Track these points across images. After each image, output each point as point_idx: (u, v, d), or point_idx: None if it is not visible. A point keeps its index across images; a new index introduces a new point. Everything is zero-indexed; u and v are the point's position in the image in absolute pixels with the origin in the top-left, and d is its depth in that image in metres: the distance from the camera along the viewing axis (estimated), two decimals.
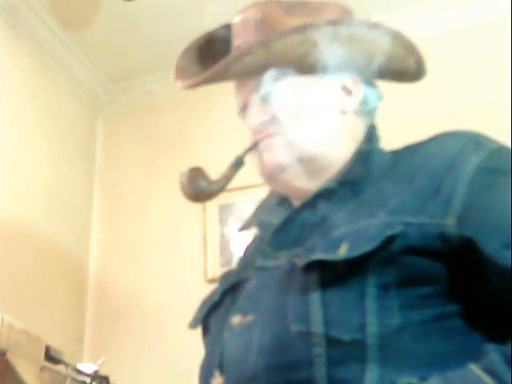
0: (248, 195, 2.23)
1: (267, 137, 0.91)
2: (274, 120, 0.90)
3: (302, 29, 0.86)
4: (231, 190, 2.09)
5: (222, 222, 2.45)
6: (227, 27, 0.98)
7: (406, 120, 2.24)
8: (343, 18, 0.95)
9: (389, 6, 2.39)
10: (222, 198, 2.36)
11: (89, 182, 2.71)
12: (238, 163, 0.92)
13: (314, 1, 0.95)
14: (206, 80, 0.93)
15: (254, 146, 0.92)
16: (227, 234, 2.44)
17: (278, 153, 0.90)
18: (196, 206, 2.43)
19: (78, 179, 2.64)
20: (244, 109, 0.95)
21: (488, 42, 2.33)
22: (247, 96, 0.93)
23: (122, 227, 2.66)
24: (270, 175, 0.92)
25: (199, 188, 0.90)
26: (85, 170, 2.70)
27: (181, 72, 0.98)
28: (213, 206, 2.46)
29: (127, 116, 2.84)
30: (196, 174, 0.91)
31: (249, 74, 0.91)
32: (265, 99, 0.91)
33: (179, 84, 0.97)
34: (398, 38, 0.90)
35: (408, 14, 2.44)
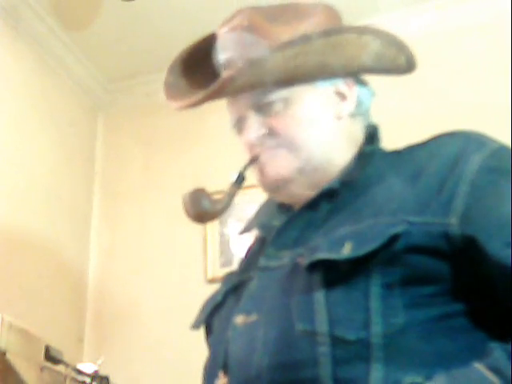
0: (248, 196, 2.22)
1: (267, 150, 0.91)
2: (271, 132, 0.91)
3: (293, 43, 0.86)
4: None
5: (222, 222, 2.45)
6: (212, 37, 0.97)
7: (407, 120, 2.24)
8: (331, 21, 0.94)
9: (389, 6, 2.39)
10: None
11: (89, 182, 2.71)
12: (240, 179, 0.93)
13: (301, 5, 0.94)
14: (200, 101, 0.93)
15: (254, 161, 0.92)
16: (227, 234, 2.44)
17: (280, 165, 0.90)
18: None
19: (78, 179, 2.64)
20: (238, 123, 0.95)
21: (488, 41, 2.33)
22: (242, 110, 0.93)
23: (122, 227, 2.66)
24: (274, 188, 0.93)
25: (203, 209, 0.90)
26: (85, 170, 2.70)
27: (171, 90, 0.98)
28: None
29: (127, 116, 2.84)
30: (199, 194, 0.91)
31: (242, 92, 0.91)
32: (260, 112, 0.91)
33: (173, 105, 0.97)
34: (388, 39, 0.91)
35: (408, 13, 2.44)
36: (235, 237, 2.41)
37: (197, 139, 2.62)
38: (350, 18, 0.98)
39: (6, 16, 2.31)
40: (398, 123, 2.10)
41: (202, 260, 2.43)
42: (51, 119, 2.50)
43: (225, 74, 0.90)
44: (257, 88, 0.90)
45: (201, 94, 0.92)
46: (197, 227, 2.48)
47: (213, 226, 2.46)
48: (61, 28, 2.50)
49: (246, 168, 0.92)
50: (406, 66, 0.96)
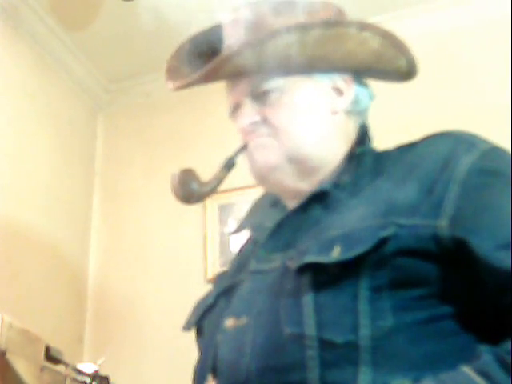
0: (248, 195, 2.23)
1: (258, 137, 0.91)
2: (265, 120, 0.91)
3: (292, 29, 0.86)
4: (231, 190, 2.10)
5: (222, 222, 2.45)
6: (218, 27, 0.98)
7: (406, 121, 2.24)
8: (335, 17, 0.94)
9: (388, 6, 2.39)
10: (222, 198, 2.38)
11: (89, 182, 2.71)
12: (230, 164, 0.92)
13: (306, 2, 0.94)
14: (195, 81, 0.93)
15: (245, 147, 0.92)
16: (227, 234, 2.44)
17: (269, 153, 0.90)
18: (196, 206, 2.43)
19: (77, 179, 2.64)
20: (235, 109, 0.95)
21: (488, 42, 2.33)
22: (238, 96, 0.93)
23: (122, 227, 2.66)
24: (262, 175, 0.92)
25: (190, 190, 0.90)
26: (85, 170, 2.70)
27: (172, 73, 0.98)
28: (213, 206, 2.46)
29: (127, 116, 2.84)
30: (187, 175, 0.91)
31: (239, 75, 0.91)
32: (256, 100, 0.91)
33: (170, 85, 0.97)
34: (388, 37, 0.90)
35: (407, 14, 2.44)
36: (235, 237, 2.41)
37: (197, 139, 2.62)
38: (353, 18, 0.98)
39: (6, 16, 2.31)
40: (395, 124, 2.10)
41: (202, 260, 2.44)
42: (51, 119, 2.50)
43: (222, 54, 0.90)
44: (253, 72, 0.89)
45: (196, 74, 0.92)
46: (197, 227, 2.49)
47: (213, 226, 2.46)
48: (61, 28, 2.50)
49: (236, 154, 0.92)
50: (407, 69, 0.95)
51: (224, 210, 2.45)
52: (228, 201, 2.40)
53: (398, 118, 2.25)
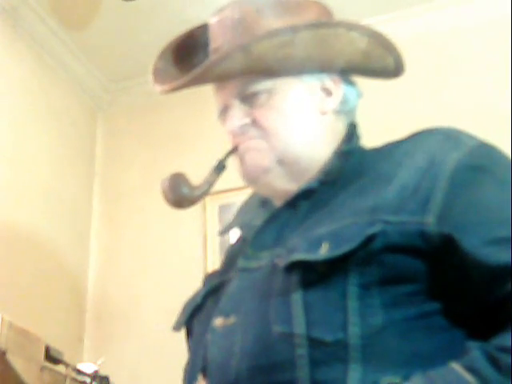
0: (247, 196, 2.23)
1: (248, 140, 0.90)
2: (254, 123, 0.90)
3: (281, 32, 0.86)
4: (231, 190, 2.10)
5: (222, 222, 2.45)
6: (205, 27, 0.97)
7: (406, 120, 2.24)
8: (322, 17, 0.94)
9: (388, 6, 2.39)
10: (222, 198, 2.38)
11: (89, 183, 2.71)
12: (220, 167, 0.92)
13: (293, 0, 0.94)
14: (184, 84, 0.92)
15: (235, 150, 0.92)
16: (227, 234, 2.44)
17: (259, 156, 0.90)
18: (196, 206, 2.43)
19: (78, 179, 2.64)
20: (224, 112, 0.94)
21: (488, 42, 2.33)
22: (227, 99, 0.93)
23: (122, 227, 2.66)
24: (253, 178, 0.92)
25: (181, 194, 0.91)
26: (85, 171, 2.70)
27: (159, 75, 0.98)
28: (213, 206, 2.46)
29: (127, 116, 2.84)
30: (178, 180, 0.91)
31: (228, 78, 0.91)
32: (245, 102, 0.91)
33: (158, 88, 0.96)
34: (376, 37, 0.90)
35: (407, 14, 2.44)
36: (235, 237, 2.41)
37: (197, 139, 2.61)
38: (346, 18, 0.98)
39: (6, 16, 2.31)
40: (395, 124, 2.10)
41: (202, 260, 2.43)
42: (51, 119, 2.50)
43: (211, 58, 0.90)
44: (242, 75, 0.89)
45: (185, 78, 0.91)
46: (197, 227, 2.49)
47: (213, 226, 2.46)
48: (61, 28, 2.50)
49: (226, 156, 0.92)
50: (394, 67, 0.95)
51: (224, 210, 2.45)
52: (228, 201, 2.40)
53: (398, 118, 2.25)
